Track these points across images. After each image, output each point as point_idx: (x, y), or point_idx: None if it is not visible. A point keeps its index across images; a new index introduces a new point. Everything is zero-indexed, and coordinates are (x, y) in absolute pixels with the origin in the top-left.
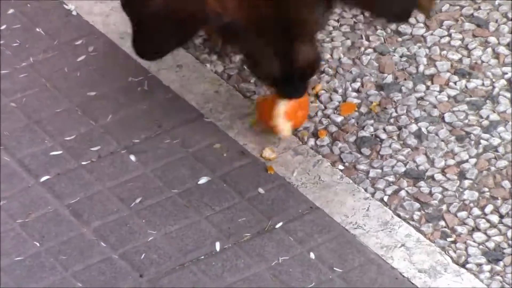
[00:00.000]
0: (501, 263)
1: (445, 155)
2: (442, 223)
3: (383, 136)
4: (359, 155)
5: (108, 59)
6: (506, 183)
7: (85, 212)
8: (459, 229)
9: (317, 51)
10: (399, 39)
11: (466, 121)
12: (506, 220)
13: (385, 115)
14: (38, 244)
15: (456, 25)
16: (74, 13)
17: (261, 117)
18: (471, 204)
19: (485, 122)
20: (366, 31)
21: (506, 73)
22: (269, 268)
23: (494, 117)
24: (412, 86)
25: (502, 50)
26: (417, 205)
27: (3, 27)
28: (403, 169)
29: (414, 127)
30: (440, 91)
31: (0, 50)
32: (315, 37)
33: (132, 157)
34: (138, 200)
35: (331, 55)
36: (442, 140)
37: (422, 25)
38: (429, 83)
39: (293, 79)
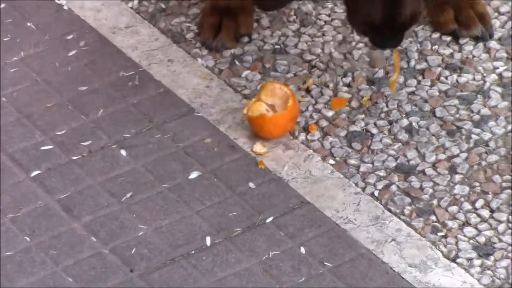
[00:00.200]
0: (492, 257)
1: (436, 150)
2: (433, 217)
3: (374, 130)
4: (350, 150)
5: (99, 54)
6: (497, 178)
7: (76, 207)
8: (450, 223)
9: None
10: None
11: (457, 115)
12: (497, 215)
13: (376, 110)
14: (28, 239)
15: None
16: (65, 7)
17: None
18: (462, 199)
19: (476, 117)
20: None
21: (497, 68)
22: (259, 262)
23: (485, 111)
24: (403, 81)
25: (494, 44)
26: (408, 199)
27: None
28: (394, 163)
29: (405, 122)
30: (431, 86)
31: None
32: None
33: (123, 152)
34: (128, 195)
35: (322, 49)
36: (433, 135)
37: None
38: (420, 77)
39: (394, 28)
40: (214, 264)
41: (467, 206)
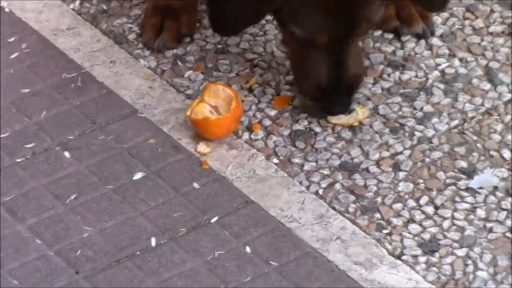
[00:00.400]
0: (437, 254)
1: (379, 147)
2: (378, 215)
3: (318, 129)
4: (293, 149)
5: (41, 56)
6: (440, 174)
7: (20, 209)
8: (395, 221)
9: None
10: None
11: (400, 113)
12: (441, 211)
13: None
14: None
15: None
16: (6, 10)
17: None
18: (406, 196)
19: (419, 114)
20: None
21: (440, 65)
22: (205, 262)
23: (428, 108)
24: None
25: (435, 41)
26: (352, 197)
27: None
28: (337, 162)
29: None
30: (374, 83)
31: None
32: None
33: (67, 154)
34: (73, 197)
35: (264, 48)
36: (376, 132)
37: None
38: None
39: (341, 92)
40: (159, 265)
41: (411, 203)
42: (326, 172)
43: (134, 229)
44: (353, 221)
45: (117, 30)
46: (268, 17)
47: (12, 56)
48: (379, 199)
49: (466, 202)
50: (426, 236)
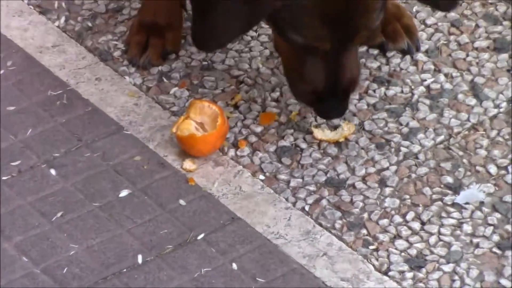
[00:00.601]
0: (424, 270)
1: (365, 163)
2: (364, 231)
3: (303, 145)
4: (279, 165)
5: (26, 73)
6: (427, 190)
7: (6, 227)
8: (381, 236)
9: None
10: None
11: (386, 128)
12: (428, 227)
13: (304, 124)
14: None
15: None
16: None
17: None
18: (393, 212)
19: (405, 129)
20: None
21: (425, 80)
22: (192, 279)
23: (413, 124)
24: None
25: (421, 57)
26: (338, 213)
27: None
28: (324, 178)
29: None
30: (359, 99)
31: None
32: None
33: (53, 171)
34: (59, 214)
35: (250, 65)
36: (362, 148)
37: None
38: None
39: (337, 96)
40: (146, 282)
41: (397, 219)
42: (312, 188)
43: (121, 247)
44: (340, 237)
45: (102, 47)
46: (253, 33)
47: None
48: (365, 215)
49: (452, 218)
50: (413, 251)
